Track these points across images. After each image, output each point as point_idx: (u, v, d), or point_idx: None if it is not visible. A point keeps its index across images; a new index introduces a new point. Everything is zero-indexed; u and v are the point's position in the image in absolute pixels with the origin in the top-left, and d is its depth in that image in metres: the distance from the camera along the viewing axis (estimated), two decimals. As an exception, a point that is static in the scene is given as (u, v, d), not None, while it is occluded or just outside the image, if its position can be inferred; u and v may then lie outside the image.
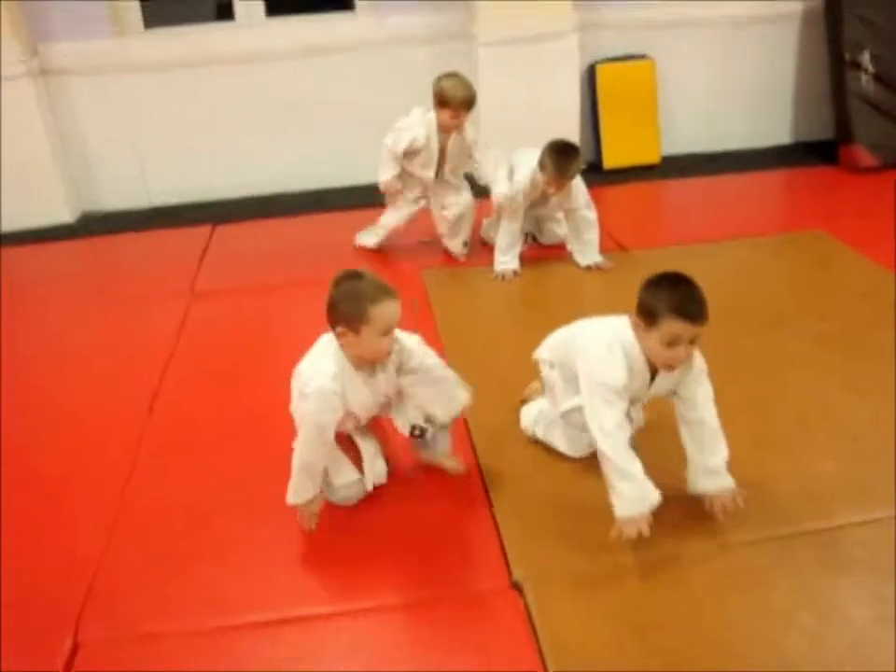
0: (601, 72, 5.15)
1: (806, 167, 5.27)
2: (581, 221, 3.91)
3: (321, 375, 2.21)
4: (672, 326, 2.07)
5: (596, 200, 4.02)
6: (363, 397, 2.29)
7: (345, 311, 2.15)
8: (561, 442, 2.56)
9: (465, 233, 4.13)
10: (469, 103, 3.85)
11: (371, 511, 2.43)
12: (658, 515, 2.17)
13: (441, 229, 4.13)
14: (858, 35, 4.99)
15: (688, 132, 5.49)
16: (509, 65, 4.83)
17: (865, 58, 5.01)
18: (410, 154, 3.96)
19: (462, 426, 2.70)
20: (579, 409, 2.30)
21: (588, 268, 3.92)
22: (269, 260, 4.30)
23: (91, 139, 5.11)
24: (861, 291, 3.60)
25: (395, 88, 5.11)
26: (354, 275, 2.21)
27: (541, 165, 3.72)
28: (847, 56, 5.01)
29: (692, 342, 2.13)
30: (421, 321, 3.47)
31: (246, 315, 3.73)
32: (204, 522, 2.43)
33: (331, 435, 2.26)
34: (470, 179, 4.17)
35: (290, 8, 5.16)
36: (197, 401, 3.06)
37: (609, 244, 4.11)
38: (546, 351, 2.57)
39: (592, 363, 2.21)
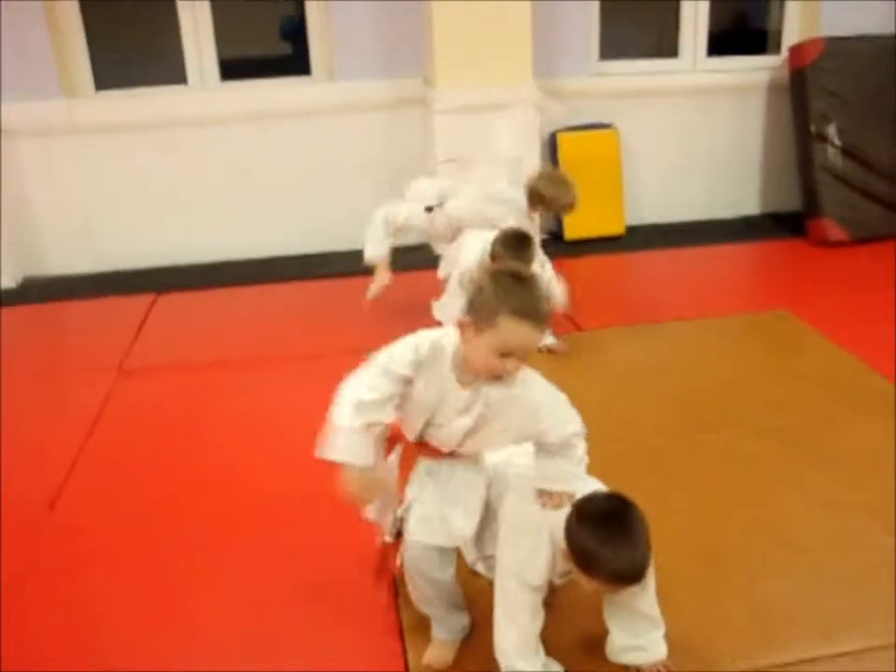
0: (562, 141, 5.02)
1: (775, 240, 5.14)
2: None
3: (423, 338, 1.87)
4: (612, 584, 1.79)
5: (556, 273, 3.86)
6: (429, 398, 1.85)
7: (482, 302, 1.74)
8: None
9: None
10: None
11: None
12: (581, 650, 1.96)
13: None
14: (824, 108, 4.90)
15: (653, 202, 5.36)
16: (466, 133, 4.66)
17: (832, 131, 4.90)
18: None
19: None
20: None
21: (539, 350, 3.73)
22: (210, 334, 4.11)
23: (37, 202, 4.92)
24: (824, 380, 3.41)
25: (349, 154, 5.01)
26: (519, 276, 1.78)
27: (495, 258, 3.53)
28: (813, 129, 4.90)
29: None
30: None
31: (176, 397, 3.49)
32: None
33: (380, 387, 1.82)
34: None
35: (245, 72, 5.03)
36: (106, 499, 2.81)
37: (564, 322, 3.93)
38: None
39: (515, 554, 1.91)
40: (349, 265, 4.93)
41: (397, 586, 2.26)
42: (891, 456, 2.85)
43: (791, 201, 5.33)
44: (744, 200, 5.53)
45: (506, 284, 1.74)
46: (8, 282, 4.87)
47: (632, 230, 5.21)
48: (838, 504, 2.63)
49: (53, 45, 4.69)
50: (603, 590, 1.84)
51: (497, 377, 1.78)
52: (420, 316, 4.00)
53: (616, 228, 5.16)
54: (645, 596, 1.92)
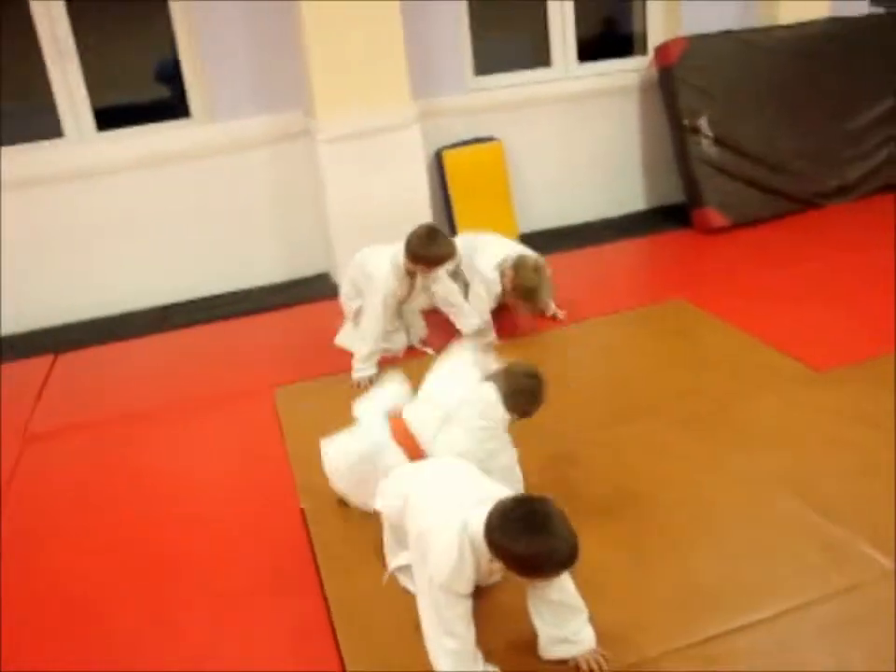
0: (448, 157, 5.10)
1: (662, 232, 5.32)
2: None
3: None
4: (555, 575, 1.91)
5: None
6: None
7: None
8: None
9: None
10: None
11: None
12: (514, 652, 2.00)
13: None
14: (693, 102, 5.10)
15: (543, 208, 5.49)
16: (352, 160, 4.71)
17: (703, 123, 5.11)
18: None
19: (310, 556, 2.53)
20: (408, 567, 2.16)
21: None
22: (114, 389, 4.00)
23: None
24: (725, 362, 3.55)
25: (238, 192, 4.98)
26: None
27: (413, 257, 3.59)
28: (686, 122, 5.10)
29: None
30: (270, 447, 3.26)
31: (83, 457, 3.40)
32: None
33: None
34: None
35: (122, 120, 4.94)
36: (18, 566, 2.72)
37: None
38: (381, 499, 2.35)
39: (440, 567, 1.93)
40: (249, 304, 4.91)
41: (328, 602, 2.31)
42: (796, 427, 2.98)
43: (674, 193, 5.52)
44: (630, 197, 5.71)
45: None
46: None
47: (525, 237, 5.28)
48: (751, 478, 2.73)
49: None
50: (539, 581, 1.91)
51: None
52: (327, 350, 4.03)
53: (509, 237, 5.22)
54: (560, 585, 1.98)
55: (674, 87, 5.11)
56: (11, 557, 2.79)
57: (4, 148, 4.75)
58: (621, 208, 5.68)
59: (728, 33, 5.28)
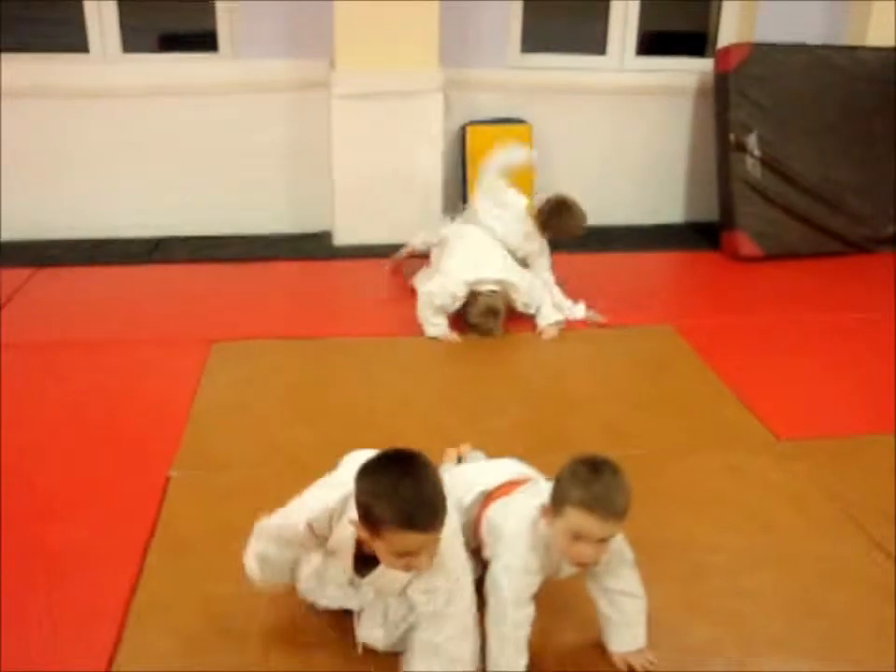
0: (471, 134, 4.83)
1: (688, 251, 4.97)
2: None
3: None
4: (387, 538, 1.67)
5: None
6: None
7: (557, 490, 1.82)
8: None
9: None
10: None
11: None
12: None
13: None
14: (745, 117, 4.69)
15: (568, 204, 5.16)
16: (366, 121, 4.50)
17: (752, 140, 4.70)
18: None
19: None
20: None
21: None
22: (76, 313, 3.92)
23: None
24: (681, 406, 3.22)
25: (248, 134, 4.83)
26: (596, 466, 1.79)
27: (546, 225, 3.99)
28: (733, 137, 4.69)
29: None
30: (174, 405, 3.11)
31: (15, 375, 3.33)
32: None
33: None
34: None
35: (150, 45, 4.84)
36: None
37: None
38: None
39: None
40: (242, 250, 4.78)
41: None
42: (721, 495, 2.68)
43: (713, 211, 5.12)
44: (665, 207, 5.34)
45: (580, 474, 1.77)
46: None
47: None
48: (650, 544, 2.43)
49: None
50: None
51: (580, 565, 1.84)
52: (299, 311, 3.89)
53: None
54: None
55: (727, 96, 4.69)
56: None
57: (20, 55, 4.68)
58: (652, 217, 5.31)
59: (800, 46, 4.81)
